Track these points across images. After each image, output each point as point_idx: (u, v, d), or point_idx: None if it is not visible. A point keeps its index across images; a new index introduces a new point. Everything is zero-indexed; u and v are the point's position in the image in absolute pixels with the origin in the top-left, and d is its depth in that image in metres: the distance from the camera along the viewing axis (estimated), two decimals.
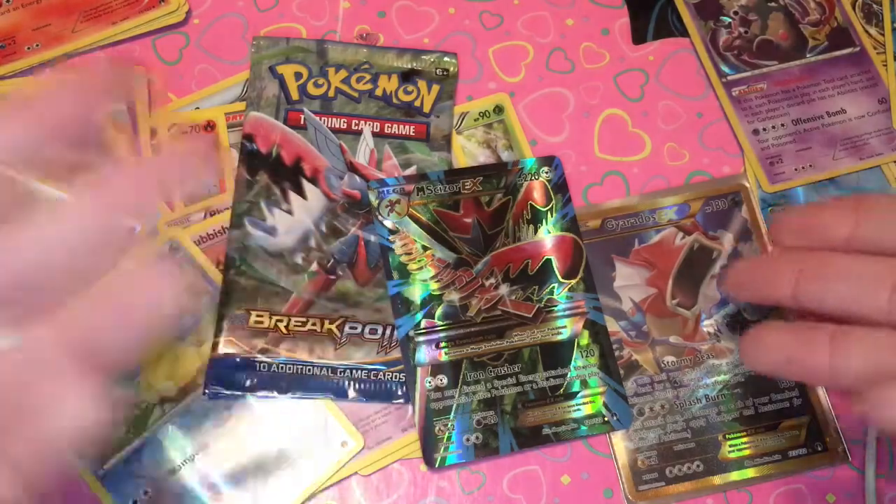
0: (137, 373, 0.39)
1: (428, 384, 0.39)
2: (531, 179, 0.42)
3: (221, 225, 0.42)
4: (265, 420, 0.39)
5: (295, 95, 0.43)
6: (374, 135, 0.43)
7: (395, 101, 0.44)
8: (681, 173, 0.45)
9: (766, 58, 0.47)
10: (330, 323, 0.40)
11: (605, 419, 0.39)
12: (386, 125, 0.43)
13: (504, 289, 0.40)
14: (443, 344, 0.39)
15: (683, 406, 0.41)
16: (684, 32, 0.47)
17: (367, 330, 0.40)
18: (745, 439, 0.40)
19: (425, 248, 0.41)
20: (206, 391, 0.38)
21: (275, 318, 0.40)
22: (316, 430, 0.39)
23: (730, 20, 0.48)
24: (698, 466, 0.40)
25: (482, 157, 0.44)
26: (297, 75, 0.44)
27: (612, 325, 0.42)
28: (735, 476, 0.40)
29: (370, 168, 0.42)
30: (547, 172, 0.43)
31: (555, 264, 0.41)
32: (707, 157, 0.45)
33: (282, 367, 0.39)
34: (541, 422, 0.39)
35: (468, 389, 0.39)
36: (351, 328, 0.40)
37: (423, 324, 0.39)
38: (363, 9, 0.47)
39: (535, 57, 0.47)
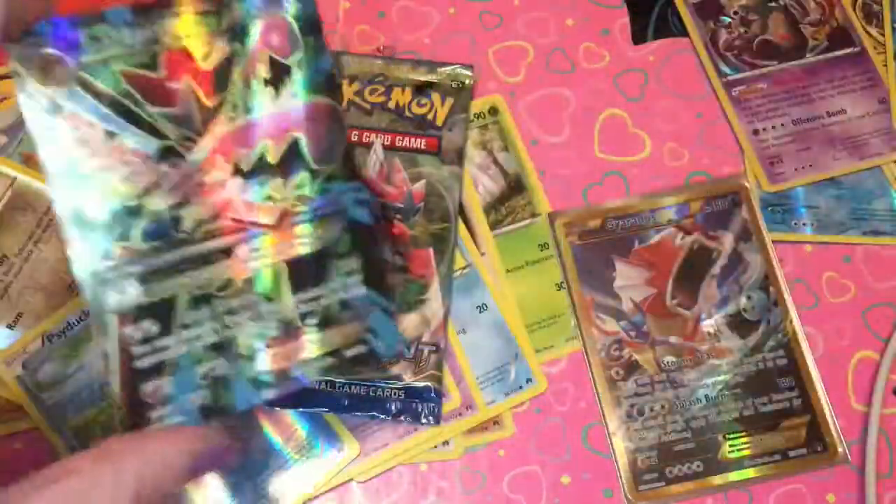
0: None
1: (129, 336, 0.28)
2: (267, 14, 0.29)
3: None
4: (262, 425, 0.39)
5: None
6: (385, 148, 0.43)
7: (407, 113, 0.43)
8: (681, 173, 0.45)
9: (766, 58, 0.47)
10: None
11: (370, 347, 0.30)
12: (397, 138, 0.43)
13: (234, 186, 0.29)
14: (146, 277, 0.28)
15: (683, 406, 0.41)
16: (684, 32, 0.47)
17: None
18: (745, 439, 0.40)
19: (110, 136, 0.28)
20: None
21: None
22: (312, 435, 0.39)
23: (730, 20, 0.48)
24: (698, 466, 0.40)
25: (478, 158, 0.44)
26: None
27: (613, 326, 0.42)
28: (735, 476, 0.40)
29: (379, 182, 0.42)
30: (289, 2, 0.30)
31: (304, 146, 0.29)
32: (707, 157, 0.45)
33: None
34: (288, 363, 0.29)
35: (188, 335, 0.28)
36: None
37: (115, 252, 0.28)
38: (363, 9, 0.47)
39: (536, 57, 0.47)
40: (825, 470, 0.40)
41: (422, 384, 0.39)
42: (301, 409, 0.39)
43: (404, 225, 0.42)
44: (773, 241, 0.43)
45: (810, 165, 0.45)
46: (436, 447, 0.40)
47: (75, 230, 0.27)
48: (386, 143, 0.43)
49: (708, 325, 0.42)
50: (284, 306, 0.29)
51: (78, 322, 0.40)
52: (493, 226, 0.43)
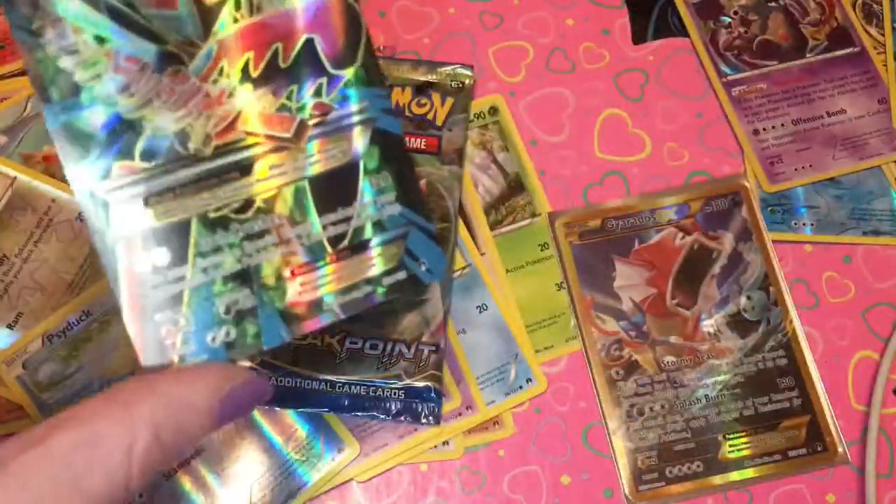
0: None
1: (140, 266, 0.25)
2: None
3: None
4: (261, 424, 0.39)
5: None
6: None
7: (407, 113, 0.43)
8: (681, 173, 0.45)
9: (765, 58, 0.47)
10: (330, 337, 0.40)
11: (410, 272, 0.27)
12: None
13: (244, 95, 0.26)
14: (153, 199, 0.25)
15: (683, 406, 0.41)
16: (684, 32, 0.47)
17: (367, 345, 0.40)
18: (744, 439, 0.40)
19: (101, 41, 0.25)
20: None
21: None
22: (312, 435, 0.39)
23: (730, 20, 0.48)
24: (698, 466, 0.40)
25: (478, 158, 0.44)
26: None
27: (613, 326, 0.42)
28: (735, 476, 0.40)
29: None
30: None
31: (320, 47, 0.27)
32: (707, 157, 0.45)
33: (281, 381, 0.39)
34: (321, 293, 0.26)
35: (205, 263, 0.25)
36: (351, 343, 0.40)
37: (114, 170, 0.25)
38: (363, 8, 0.47)
39: (535, 57, 0.47)
40: (825, 470, 0.40)
41: (422, 384, 0.39)
42: (301, 410, 0.39)
43: None
44: (774, 241, 0.43)
45: (810, 165, 0.45)
46: (436, 447, 0.40)
47: (70, 147, 0.24)
48: None
49: (708, 324, 0.42)
50: (311, 229, 0.26)
51: (78, 322, 0.40)
52: (493, 226, 0.43)
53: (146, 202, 0.25)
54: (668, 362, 0.41)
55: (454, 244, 0.42)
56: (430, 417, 0.39)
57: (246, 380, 0.24)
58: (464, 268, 0.42)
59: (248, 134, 0.26)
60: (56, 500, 0.19)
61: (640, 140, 0.45)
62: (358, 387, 0.39)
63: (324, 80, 0.26)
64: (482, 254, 0.43)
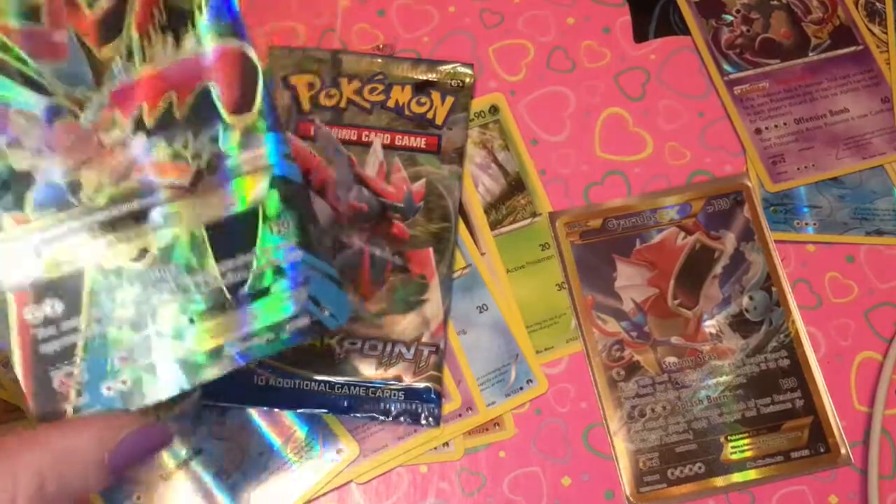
0: None
1: (30, 316, 0.24)
2: None
3: None
4: (260, 426, 0.39)
5: (306, 106, 0.43)
6: (385, 147, 0.43)
7: (407, 112, 0.43)
8: (682, 173, 0.45)
9: (768, 56, 0.46)
10: (329, 337, 0.39)
11: (314, 318, 0.27)
12: (396, 137, 0.43)
13: (138, 144, 0.26)
14: (44, 251, 0.25)
15: (685, 407, 0.40)
16: (686, 31, 0.47)
17: (366, 346, 0.39)
18: (747, 441, 0.40)
19: None
20: (202, 402, 0.38)
21: None
22: (311, 436, 0.39)
23: (732, 18, 0.47)
24: (700, 468, 0.39)
25: (478, 158, 0.44)
26: (310, 86, 0.43)
27: (614, 326, 0.41)
28: (737, 477, 0.39)
29: (378, 180, 0.42)
30: None
31: (216, 94, 0.26)
32: (709, 157, 0.45)
33: (279, 382, 0.39)
34: (221, 341, 0.26)
35: (99, 313, 0.25)
36: (350, 344, 0.39)
37: (6, 222, 0.25)
38: (362, 7, 0.47)
39: (536, 56, 0.46)
40: (828, 471, 0.40)
41: (422, 385, 0.39)
42: (300, 411, 0.39)
43: (404, 225, 0.41)
44: (776, 241, 0.43)
45: (813, 165, 0.44)
46: (436, 448, 0.40)
47: None
48: (385, 142, 0.43)
49: (710, 325, 0.42)
50: (209, 276, 0.26)
51: None
52: (494, 225, 0.43)
53: (37, 254, 0.25)
54: (669, 363, 0.41)
55: (454, 244, 0.42)
56: (430, 418, 0.39)
57: (140, 428, 0.23)
58: (464, 268, 0.42)
59: (143, 183, 0.26)
60: None
61: (641, 139, 0.45)
62: (357, 388, 0.39)
63: (220, 127, 0.26)
64: (482, 254, 0.43)
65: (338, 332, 0.39)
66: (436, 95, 0.44)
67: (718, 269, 0.42)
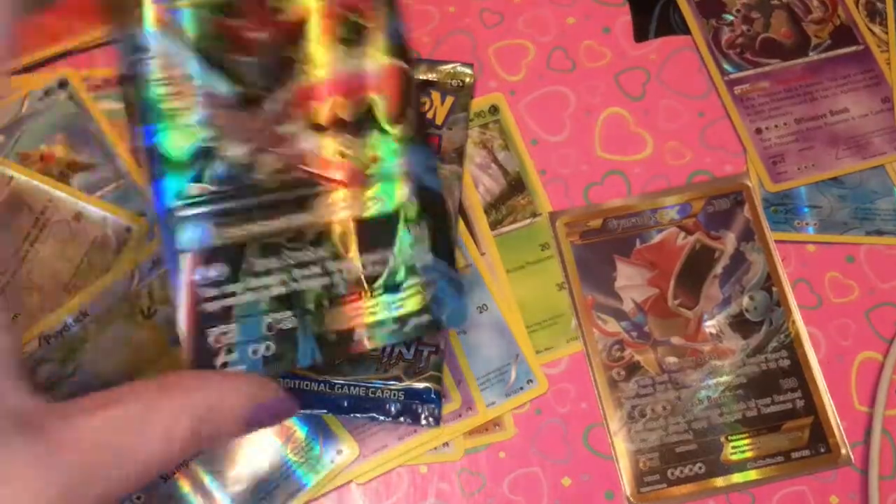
0: (133, 378, 0.39)
1: (198, 276, 0.28)
2: None
3: None
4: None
5: None
6: None
7: None
8: (682, 172, 0.45)
9: (768, 56, 0.46)
10: None
11: (434, 317, 0.29)
12: None
13: (308, 139, 0.29)
14: (217, 220, 0.28)
15: (685, 407, 0.40)
16: (686, 31, 0.47)
17: None
18: (747, 441, 0.40)
19: (189, 78, 0.28)
20: None
21: None
22: (311, 436, 0.39)
23: (732, 18, 0.47)
24: (700, 468, 0.39)
25: (478, 158, 0.44)
26: None
27: (614, 326, 0.41)
28: (737, 478, 0.39)
29: None
30: None
31: (380, 107, 0.30)
32: (709, 157, 0.45)
33: (280, 382, 0.38)
34: (353, 324, 0.29)
35: (256, 283, 0.28)
36: None
37: (190, 190, 0.28)
38: None
39: (536, 55, 0.46)
40: (828, 471, 0.40)
41: (422, 385, 0.39)
42: (300, 411, 0.39)
43: None
44: (776, 241, 0.43)
45: (813, 165, 0.44)
46: (436, 449, 0.40)
47: (153, 166, 0.28)
48: None
49: (710, 325, 0.42)
50: (352, 265, 0.29)
51: (75, 323, 0.39)
52: (494, 225, 0.43)
53: (212, 222, 0.28)
54: (669, 363, 0.41)
55: (454, 244, 0.42)
56: (430, 419, 0.39)
57: (278, 396, 0.26)
58: (464, 268, 0.42)
59: (309, 174, 0.29)
60: (95, 467, 0.20)
61: (641, 139, 0.45)
62: (357, 388, 0.39)
63: (379, 135, 0.30)
64: (482, 254, 0.42)
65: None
66: (435, 95, 0.43)
67: (719, 270, 0.42)
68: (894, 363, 0.41)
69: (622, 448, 0.40)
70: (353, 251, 0.29)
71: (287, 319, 0.28)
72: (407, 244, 0.30)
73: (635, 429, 0.40)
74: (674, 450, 0.40)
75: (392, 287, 0.29)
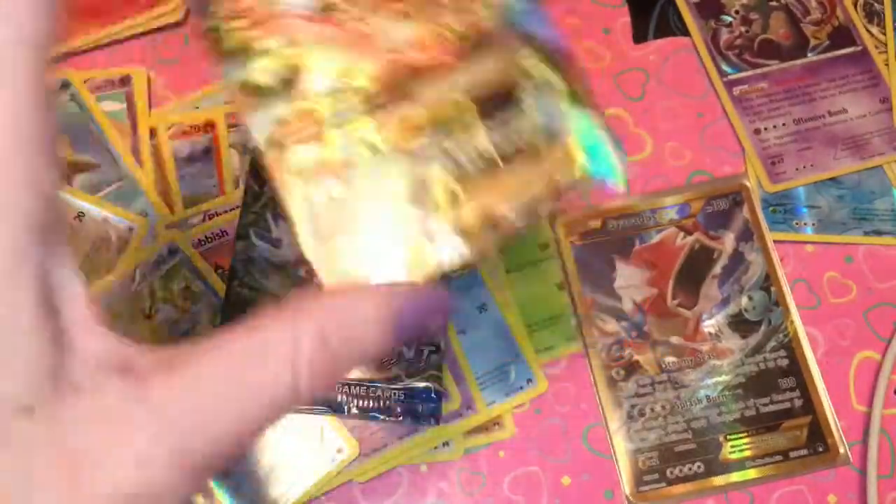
0: None
1: (317, 196, 0.26)
2: None
3: (220, 228, 0.41)
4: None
5: None
6: None
7: None
8: (682, 173, 0.45)
9: (767, 57, 0.47)
10: None
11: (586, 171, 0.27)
12: None
13: (396, 28, 0.27)
14: (328, 132, 0.27)
15: (684, 407, 0.40)
16: (685, 32, 0.47)
17: None
18: (746, 440, 0.40)
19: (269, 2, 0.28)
20: None
21: None
22: (311, 436, 0.39)
23: (731, 19, 0.47)
24: (699, 467, 0.40)
25: None
26: None
27: (613, 326, 0.42)
28: (736, 477, 0.39)
29: None
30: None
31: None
32: (708, 157, 0.45)
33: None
34: (494, 207, 0.25)
35: (377, 188, 0.26)
36: None
37: (288, 114, 0.26)
38: None
39: None
40: (826, 471, 0.40)
41: (422, 385, 0.39)
42: (299, 411, 0.39)
43: None
44: (775, 241, 0.43)
45: (811, 165, 0.45)
46: (436, 448, 0.40)
47: (247, 100, 0.26)
48: None
49: (709, 325, 0.42)
50: (480, 145, 0.26)
51: None
52: None
53: (319, 139, 0.26)
54: (668, 363, 0.41)
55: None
56: (430, 418, 0.39)
57: (420, 294, 0.23)
58: (464, 268, 0.42)
59: (405, 65, 0.26)
60: (225, 398, 0.19)
61: (640, 140, 0.45)
62: (357, 388, 0.39)
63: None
64: None
65: None
66: None
67: (718, 269, 0.43)
68: (892, 363, 0.41)
69: (621, 447, 0.40)
70: (479, 129, 0.26)
71: (420, 220, 0.25)
72: (532, 99, 0.26)
73: (634, 428, 0.40)
74: (673, 449, 0.40)
75: (530, 152, 0.26)
